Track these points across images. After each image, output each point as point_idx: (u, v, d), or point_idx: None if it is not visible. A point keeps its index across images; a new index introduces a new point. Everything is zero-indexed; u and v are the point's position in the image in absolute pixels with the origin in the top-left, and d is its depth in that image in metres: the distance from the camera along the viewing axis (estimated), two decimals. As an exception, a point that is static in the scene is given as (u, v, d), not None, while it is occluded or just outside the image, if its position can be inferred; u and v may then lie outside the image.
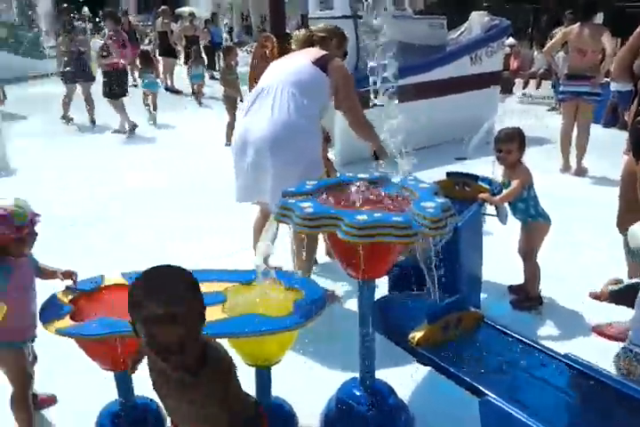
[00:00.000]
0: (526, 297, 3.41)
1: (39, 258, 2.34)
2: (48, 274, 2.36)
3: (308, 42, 3.28)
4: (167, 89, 12.35)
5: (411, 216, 1.86)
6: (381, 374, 2.36)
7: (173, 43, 12.19)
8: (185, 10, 23.09)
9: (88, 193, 5.48)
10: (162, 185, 5.74)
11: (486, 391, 1.56)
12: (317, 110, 3.05)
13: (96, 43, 8.62)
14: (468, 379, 1.65)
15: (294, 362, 2.56)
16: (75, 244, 4.28)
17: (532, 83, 11.70)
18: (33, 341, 2.32)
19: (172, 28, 12.49)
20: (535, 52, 11.96)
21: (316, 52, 3.14)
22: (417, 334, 1.83)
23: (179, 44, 12.39)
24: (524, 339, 1.92)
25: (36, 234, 2.16)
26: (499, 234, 3.62)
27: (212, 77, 13.97)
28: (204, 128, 8.48)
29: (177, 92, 12.30)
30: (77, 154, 7.16)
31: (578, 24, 5.65)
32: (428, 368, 2.32)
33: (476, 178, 3.30)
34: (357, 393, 2.30)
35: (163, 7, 12.66)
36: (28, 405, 2.29)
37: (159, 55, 12.78)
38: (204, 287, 2.29)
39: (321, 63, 3.05)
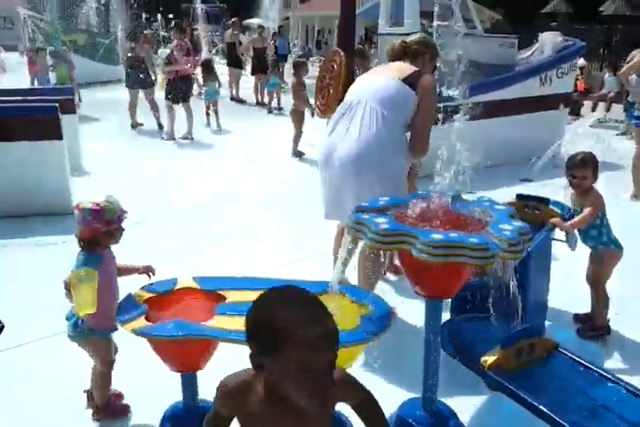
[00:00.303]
0: (593, 326, 3.31)
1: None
2: (125, 270, 2.50)
3: (402, 53, 3.23)
4: (232, 99, 12.67)
5: (487, 238, 1.86)
6: (443, 395, 2.34)
7: (241, 54, 12.49)
8: (253, 22, 23.70)
9: (156, 194, 5.67)
10: (225, 191, 5.89)
11: (563, 423, 1.52)
12: (404, 128, 3.06)
13: (164, 52, 8.95)
14: (544, 409, 1.62)
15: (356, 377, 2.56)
16: (143, 242, 4.43)
17: (601, 105, 11.36)
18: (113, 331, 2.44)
19: (241, 40, 12.80)
20: (606, 75, 11.61)
21: (406, 68, 3.10)
22: (489, 358, 1.82)
23: (246, 54, 12.68)
24: (600, 370, 1.87)
25: (123, 229, 2.35)
26: (565, 260, 3.53)
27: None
28: (271, 137, 8.62)
29: (242, 101, 12.58)
30: (144, 157, 7.43)
31: (657, 48, 5.49)
32: (492, 393, 2.30)
33: (547, 201, 3.24)
34: (418, 413, 2.29)
35: (233, 19, 13.03)
36: (108, 385, 2.50)
37: (226, 65, 13.16)
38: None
39: (411, 80, 3.02)
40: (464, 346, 1.97)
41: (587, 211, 3.05)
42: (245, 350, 1.34)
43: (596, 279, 3.27)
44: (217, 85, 9.97)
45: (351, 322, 2.18)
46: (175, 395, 2.38)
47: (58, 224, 4.64)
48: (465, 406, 2.45)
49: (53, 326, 2.90)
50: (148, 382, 2.64)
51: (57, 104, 4.90)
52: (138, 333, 2.10)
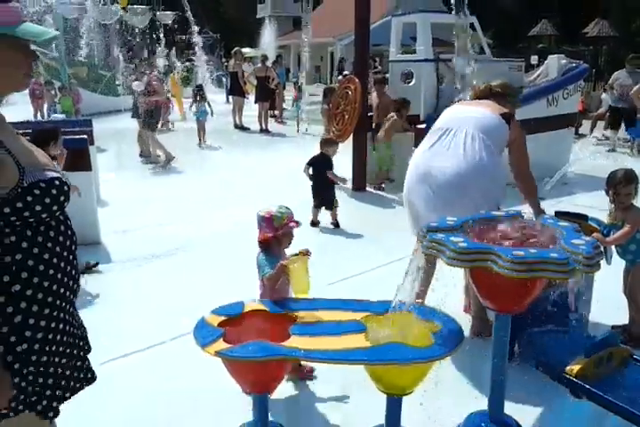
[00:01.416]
0: (630, 338, 3.38)
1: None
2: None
3: (487, 94, 3.43)
4: (236, 126, 12.84)
5: (565, 253, 1.94)
6: (508, 407, 2.39)
7: (243, 82, 12.72)
8: (246, 51, 24.16)
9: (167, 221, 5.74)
10: (245, 216, 5.93)
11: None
12: (500, 156, 3.23)
13: (138, 84, 9.20)
14: (636, 411, 1.68)
15: (423, 390, 2.61)
16: (184, 268, 4.50)
17: (599, 124, 11.61)
18: None
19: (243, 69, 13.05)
20: (603, 94, 11.93)
21: (498, 107, 3.29)
22: (575, 367, 1.88)
23: (250, 83, 12.90)
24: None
25: (292, 236, 2.67)
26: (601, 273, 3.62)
27: (273, 116, 14.45)
28: (276, 162, 8.73)
29: (245, 128, 12.76)
30: (158, 184, 7.53)
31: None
32: (556, 405, 2.36)
33: (586, 218, 3.34)
34: (484, 426, 2.34)
35: (236, 49, 13.29)
36: None
37: (229, 94, 13.38)
38: (342, 315, 2.45)
39: (506, 117, 3.23)
40: (546, 357, 2.04)
41: (627, 227, 3.14)
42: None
43: (634, 293, 3.35)
44: (207, 107, 11.11)
45: (426, 339, 2.25)
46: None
47: (89, 255, 4.71)
48: (531, 416, 2.51)
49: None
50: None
51: (86, 136, 5.00)
52: (221, 355, 2.15)
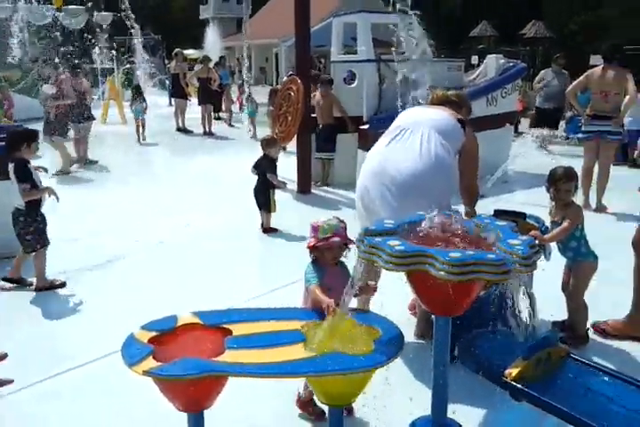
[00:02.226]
0: (574, 335, 3.42)
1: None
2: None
3: (443, 101, 3.44)
4: (179, 129, 12.56)
5: (501, 254, 1.91)
6: (455, 413, 2.35)
7: (185, 84, 12.45)
8: (189, 52, 23.75)
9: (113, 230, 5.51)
10: (189, 223, 5.78)
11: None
12: (455, 159, 3.21)
13: (48, 87, 8.84)
14: (576, 415, 1.65)
15: (364, 398, 2.54)
16: (120, 278, 4.30)
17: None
18: None
19: (185, 71, 12.78)
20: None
21: (454, 112, 3.29)
22: (513, 371, 1.85)
23: (192, 84, 12.65)
24: (612, 372, 1.94)
25: (336, 252, 2.53)
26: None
27: (218, 118, 14.25)
28: (222, 166, 8.53)
29: (188, 131, 12.49)
30: (91, 191, 7.24)
31: (601, 66, 5.86)
32: (499, 408, 2.34)
33: (524, 215, 3.36)
34: (429, 432, 2.29)
35: (177, 50, 13.00)
36: None
37: (171, 96, 13.08)
38: (281, 326, 2.35)
39: (462, 122, 3.23)
40: (484, 360, 2.00)
41: (566, 224, 3.16)
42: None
43: (575, 290, 3.39)
44: (144, 106, 11.48)
45: (366, 346, 2.18)
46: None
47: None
48: (475, 420, 2.48)
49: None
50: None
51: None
52: (149, 374, 2.02)
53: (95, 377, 3.04)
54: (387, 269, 2.01)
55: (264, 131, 10.36)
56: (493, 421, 2.54)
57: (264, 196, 5.49)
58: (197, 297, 3.77)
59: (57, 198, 4.21)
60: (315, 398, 2.67)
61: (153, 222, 5.80)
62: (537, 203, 5.44)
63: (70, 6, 18.87)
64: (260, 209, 5.54)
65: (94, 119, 9.80)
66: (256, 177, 5.59)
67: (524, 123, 12.06)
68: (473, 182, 3.38)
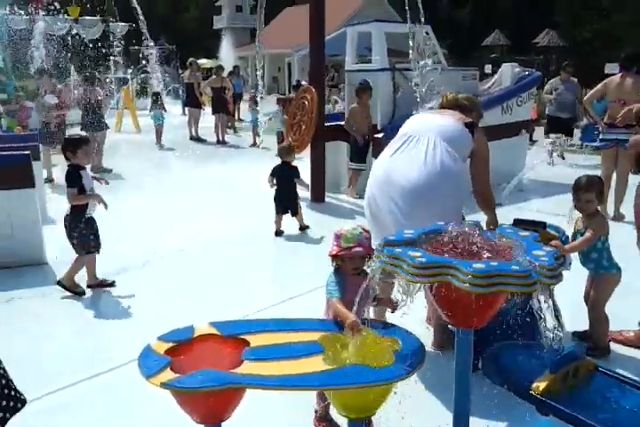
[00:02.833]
0: (595, 346, 3.35)
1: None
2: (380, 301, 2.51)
3: (453, 104, 3.41)
4: (192, 138, 12.63)
5: (526, 265, 1.86)
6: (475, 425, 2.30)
7: (199, 93, 12.53)
8: (202, 62, 23.97)
9: (134, 239, 5.51)
10: (207, 231, 5.76)
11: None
12: (464, 163, 3.17)
13: (51, 97, 8.85)
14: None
15: (384, 411, 2.50)
16: (136, 287, 4.29)
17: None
18: None
19: (199, 80, 12.85)
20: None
21: (463, 117, 3.25)
22: (541, 384, 1.80)
23: (205, 94, 12.72)
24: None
25: (358, 263, 2.48)
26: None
27: (230, 127, 14.30)
28: (246, 174, 8.49)
29: (202, 140, 12.55)
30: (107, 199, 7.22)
31: (619, 74, 5.81)
32: (525, 423, 2.28)
33: (544, 225, 3.30)
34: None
35: (191, 59, 13.09)
36: None
37: (185, 105, 13.17)
38: (299, 337, 2.31)
39: (470, 127, 3.18)
40: (510, 373, 1.95)
41: (588, 234, 3.10)
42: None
43: (597, 302, 3.32)
44: (162, 113, 12.06)
45: (387, 358, 2.14)
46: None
47: (32, 277, 4.46)
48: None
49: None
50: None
51: (29, 151, 4.76)
52: (167, 386, 1.99)
53: (110, 388, 3.01)
54: (408, 281, 1.97)
55: (269, 139, 10.43)
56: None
57: (294, 199, 5.77)
58: (214, 305, 3.75)
59: (105, 206, 4.26)
60: (331, 413, 2.63)
61: (169, 230, 5.79)
62: (553, 211, 5.42)
63: (87, 17, 19.12)
64: (284, 214, 5.74)
65: (108, 128, 9.91)
66: (269, 184, 5.79)
67: (539, 131, 11.98)
68: (485, 187, 3.30)
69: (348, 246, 2.44)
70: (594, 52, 26.86)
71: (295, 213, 5.78)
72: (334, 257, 2.54)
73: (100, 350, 3.43)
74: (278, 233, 5.70)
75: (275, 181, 5.75)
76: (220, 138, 12.34)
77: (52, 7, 16.75)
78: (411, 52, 5.94)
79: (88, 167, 4.50)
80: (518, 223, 3.38)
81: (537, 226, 3.34)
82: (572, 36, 28.64)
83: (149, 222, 6.07)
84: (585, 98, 6.09)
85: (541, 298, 1.93)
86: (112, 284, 4.36)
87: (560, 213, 4.86)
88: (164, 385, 1.99)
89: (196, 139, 12.57)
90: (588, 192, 3.14)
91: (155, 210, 6.58)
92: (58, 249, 4.81)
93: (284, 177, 5.73)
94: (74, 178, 4.13)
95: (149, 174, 8.96)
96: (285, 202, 5.72)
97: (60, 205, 6.31)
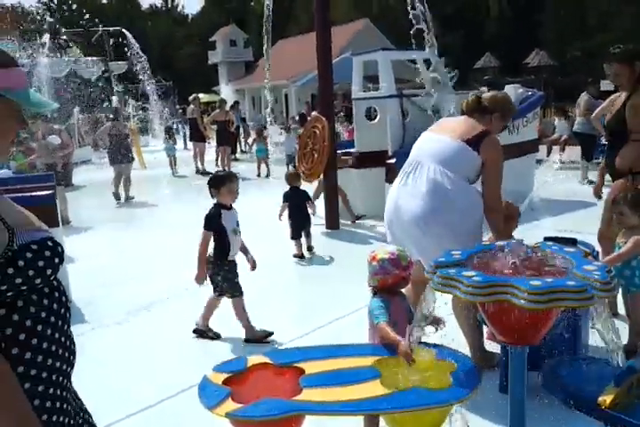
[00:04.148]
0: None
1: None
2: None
3: (473, 109, 3.27)
4: (198, 171, 12.76)
5: (581, 280, 1.91)
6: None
7: (203, 127, 12.71)
8: (201, 96, 24.35)
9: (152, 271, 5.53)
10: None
11: None
12: (466, 184, 3.10)
13: (54, 138, 9.04)
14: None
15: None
16: (166, 319, 4.29)
17: (554, 149, 12.00)
18: None
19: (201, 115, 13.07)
20: (556, 120, 12.37)
21: (471, 128, 3.15)
22: (607, 398, 1.82)
23: (208, 128, 12.91)
24: None
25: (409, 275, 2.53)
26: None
27: (236, 159, 14.53)
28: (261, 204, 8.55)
29: (207, 173, 12.66)
30: (115, 235, 7.32)
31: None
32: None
33: (574, 241, 3.35)
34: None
35: (194, 95, 13.33)
36: None
37: (190, 140, 13.36)
38: (352, 362, 2.34)
39: (474, 141, 3.09)
40: (572, 389, 1.97)
41: (625, 248, 3.14)
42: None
43: (634, 319, 3.34)
44: (174, 146, 13.31)
45: (444, 380, 2.16)
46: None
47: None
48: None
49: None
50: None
51: (53, 191, 4.83)
52: (233, 416, 2.01)
53: (162, 418, 3.00)
54: (466, 300, 2.01)
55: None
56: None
57: (309, 221, 5.98)
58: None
59: (252, 266, 3.90)
60: None
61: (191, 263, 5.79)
62: (570, 229, 5.47)
63: (88, 58, 19.55)
64: (300, 236, 5.92)
65: (134, 159, 10.46)
66: (281, 211, 6.03)
67: (542, 149, 12.12)
68: (491, 196, 3.12)
69: (409, 262, 2.51)
70: (582, 69, 27.34)
71: (309, 234, 5.98)
72: (400, 280, 2.53)
73: (146, 381, 3.41)
74: (300, 256, 5.85)
75: (287, 207, 5.98)
76: (226, 170, 12.45)
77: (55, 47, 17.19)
78: (421, 78, 6.07)
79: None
80: (548, 241, 3.44)
81: (568, 243, 3.39)
82: (562, 54, 29.18)
83: (167, 256, 6.11)
84: (593, 115, 6.18)
85: (597, 311, 1.96)
86: (217, 335, 3.97)
87: (577, 230, 4.94)
88: (228, 415, 2.01)
89: (203, 172, 12.70)
90: (624, 206, 3.20)
91: (163, 247, 6.56)
92: (80, 288, 4.83)
93: (296, 201, 5.97)
94: (211, 219, 3.78)
95: (161, 207, 9.14)
96: (301, 225, 5.92)
97: (76, 245, 6.47)
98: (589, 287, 1.87)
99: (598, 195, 4.34)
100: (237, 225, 3.85)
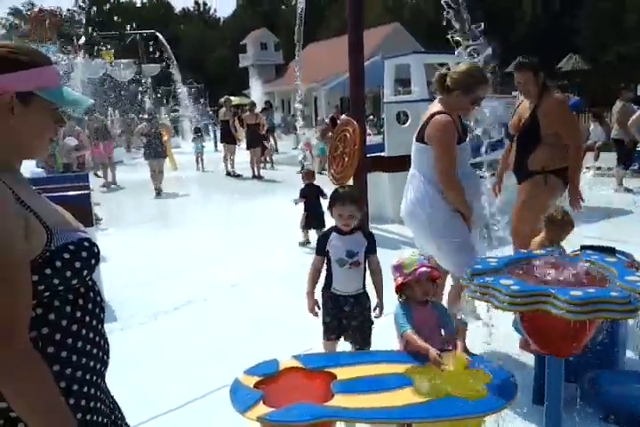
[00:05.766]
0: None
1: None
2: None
3: (440, 89, 3.10)
4: (228, 173, 12.86)
5: (624, 291, 1.85)
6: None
7: (234, 129, 12.80)
8: (232, 98, 24.60)
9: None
10: (256, 267, 5.80)
11: None
12: (433, 187, 3.16)
13: (71, 139, 9.37)
14: None
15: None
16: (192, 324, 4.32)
17: (589, 155, 11.75)
18: None
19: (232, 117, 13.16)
20: (591, 126, 12.11)
21: (425, 117, 3.13)
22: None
23: (239, 130, 13.00)
24: None
25: (426, 283, 2.51)
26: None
27: (268, 161, 14.62)
28: (271, 209, 8.60)
29: (238, 176, 12.76)
30: (146, 236, 7.41)
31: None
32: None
33: (613, 250, 3.26)
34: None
35: (225, 97, 13.44)
36: None
37: (221, 142, 13.49)
38: (384, 369, 2.31)
39: (420, 135, 3.13)
40: (614, 403, 1.91)
41: None
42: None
43: None
44: (202, 143, 14.93)
45: (479, 390, 2.12)
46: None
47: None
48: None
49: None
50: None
51: (89, 191, 4.92)
52: (265, 420, 2.00)
53: (194, 418, 3.00)
54: (502, 310, 1.96)
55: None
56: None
57: (322, 215, 6.17)
58: (279, 339, 3.75)
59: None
60: None
61: (220, 264, 5.85)
62: (604, 236, 5.34)
63: (122, 60, 19.91)
64: (311, 227, 6.41)
65: (167, 156, 11.25)
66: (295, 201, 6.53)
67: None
68: (442, 180, 3.06)
69: (413, 270, 2.49)
70: (617, 73, 26.75)
71: (321, 226, 6.30)
72: (402, 287, 2.54)
73: (167, 386, 3.43)
74: (305, 244, 6.37)
75: (303, 202, 6.49)
76: (256, 173, 12.52)
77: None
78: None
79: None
80: (586, 249, 3.35)
81: (605, 252, 3.30)
82: (595, 59, 28.59)
83: (199, 255, 6.17)
84: (630, 122, 6.05)
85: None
86: None
87: (613, 239, 4.81)
88: (260, 419, 2.01)
89: (232, 174, 12.79)
90: None
91: (193, 247, 6.64)
92: (113, 288, 4.88)
93: (312, 196, 6.48)
94: (319, 243, 3.07)
95: (189, 210, 9.21)
96: (314, 218, 6.36)
97: (106, 244, 6.55)
98: (633, 299, 1.82)
99: None
100: (350, 256, 2.93)
